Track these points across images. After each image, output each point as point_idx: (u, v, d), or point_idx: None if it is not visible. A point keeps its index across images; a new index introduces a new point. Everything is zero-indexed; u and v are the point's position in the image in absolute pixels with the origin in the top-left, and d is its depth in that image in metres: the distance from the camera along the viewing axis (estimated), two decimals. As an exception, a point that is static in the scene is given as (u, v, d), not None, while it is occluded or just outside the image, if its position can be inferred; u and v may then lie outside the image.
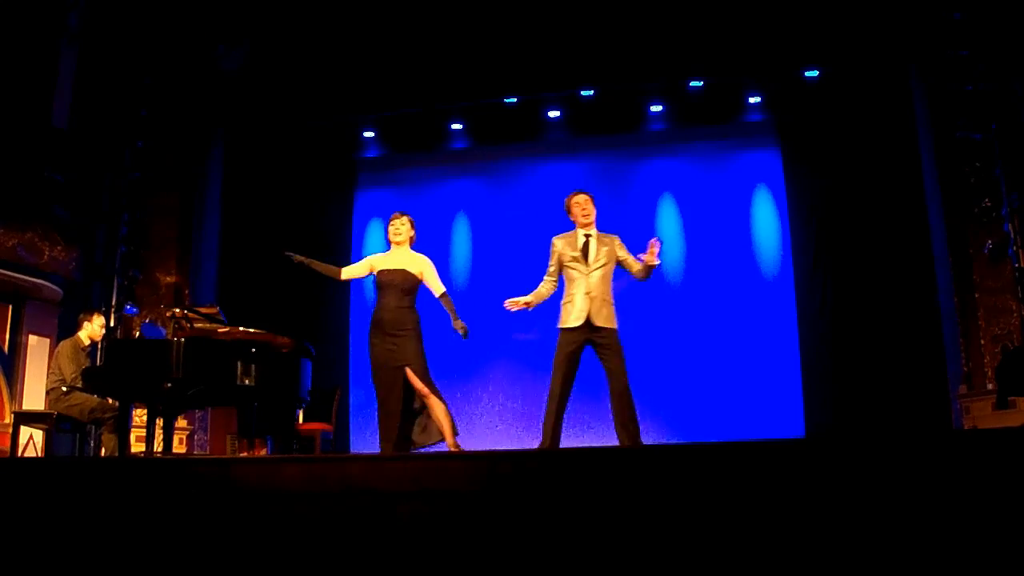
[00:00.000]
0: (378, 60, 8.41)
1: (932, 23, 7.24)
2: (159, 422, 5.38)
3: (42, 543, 3.15)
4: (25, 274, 7.01)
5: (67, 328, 6.79)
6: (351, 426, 8.71)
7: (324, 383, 7.37)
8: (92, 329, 6.17)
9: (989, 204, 6.82)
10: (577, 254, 4.63)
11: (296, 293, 8.44)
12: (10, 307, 7.10)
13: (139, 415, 6.84)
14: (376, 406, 4.83)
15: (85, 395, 5.74)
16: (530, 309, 4.77)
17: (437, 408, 4.69)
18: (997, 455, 2.63)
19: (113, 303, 7.86)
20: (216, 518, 3.06)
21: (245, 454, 6.86)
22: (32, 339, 7.18)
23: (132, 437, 6.59)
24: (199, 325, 5.39)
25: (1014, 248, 6.61)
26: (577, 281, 4.59)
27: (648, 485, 2.83)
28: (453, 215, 9.26)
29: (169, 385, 4.87)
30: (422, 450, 4.77)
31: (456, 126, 9.06)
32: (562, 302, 4.65)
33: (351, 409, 8.73)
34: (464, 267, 9.10)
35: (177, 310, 5.49)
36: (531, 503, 2.85)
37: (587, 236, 4.69)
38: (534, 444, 7.78)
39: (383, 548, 2.87)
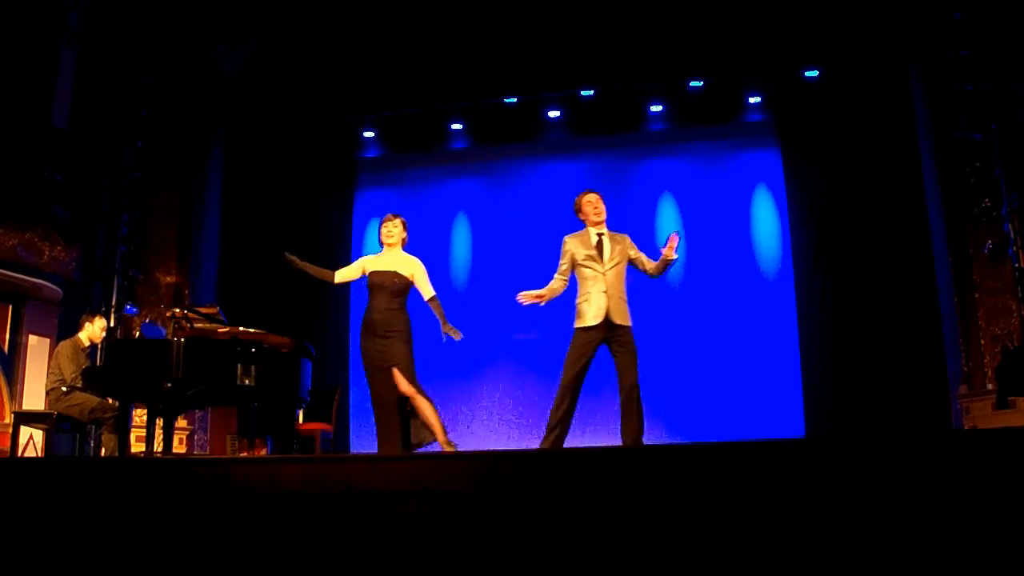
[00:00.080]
0: (378, 60, 8.42)
1: (932, 23, 7.24)
2: (159, 422, 5.38)
3: (42, 543, 3.15)
4: (25, 274, 7.00)
5: (67, 328, 6.79)
6: (351, 426, 8.71)
7: (324, 383, 7.37)
8: (92, 331, 6.18)
9: (989, 204, 6.82)
10: (592, 252, 4.63)
11: (296, 293, 8.43)
12: (10, 307, 7.10)
13: (139, 415, 6.84)
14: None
15: (85, 395, 5.74)
16: (541, 304, 4.74)
17: (424, 408, 4.69)
18: (997, 455, 2.63)
19: (113, 303, 7.85)
20: (216, 518, 3.06)
21: (245, 454, 6.86)
22: (32, 339, 7.18)
23: (132, 437, 6.59)
24: (199, 325, 5.39)
25: (1014, 248, 6.61)
26: (593, 280, 4.58)
27: (648, 485, 2.83)
28: (453, 215, 9.26)
29: (169, 385, 4.87)
30: (421, 450, 4.77)
31: (456, 126, 9.06)
32: (577, 301, 4.62)
33: (351, 409, 8.73)
34: (464, 267, 9.10)
35: (177, 310, 5.49)
36: (531, 503, 2.85)
37: (600, 235, 4.70)
38: (534, 444, 7.80)
39: (383, 548, 2.87)
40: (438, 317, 4.87)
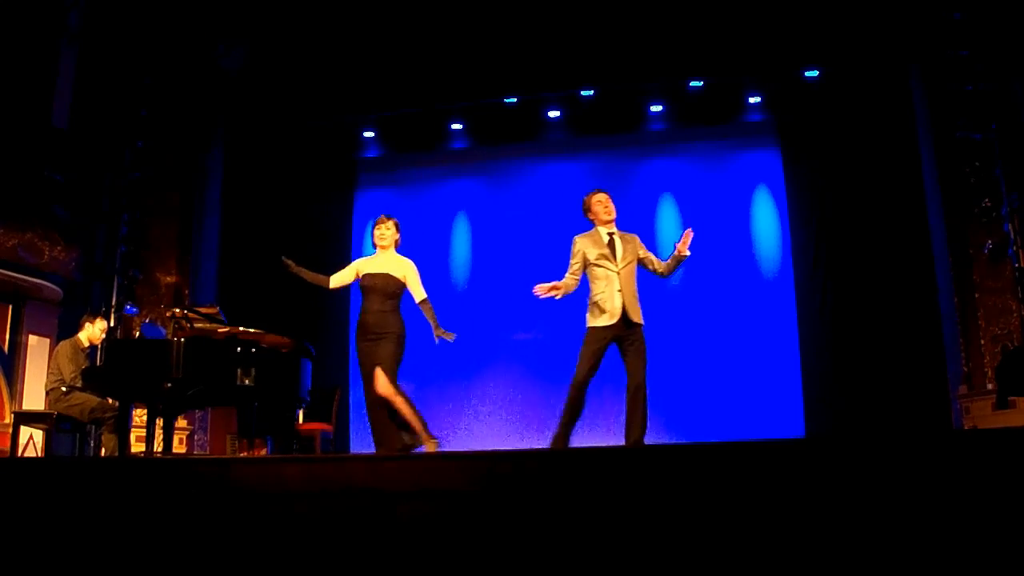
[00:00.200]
0: (378, 60, 8.41)
1: (932, 23, 7.24)
2: (159, 422, 5.38)
3: (42, 543, 3.15)
4: (25, 274, 7.00)
5: (67, 328, 6.79)
6: (351, 426, 8.71)
7: (324, 383, 7.37)
8: (92, 332, 6.17)
9: (989, 204, 6.82)
10: (605, 252, 4.62)
11: (296, 293, 8.39)
12: (10, 307, 7.10)
13: (139, 415, 6.84)
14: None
15: (85, 395, 5.74)
16: (557, 297, 4.71)
17: (402, 408, 4.66)
18: (997, 455, 2.63)
19: (113, 303, 7.86)
20: (216, 518, 3.06)
21: (245, 454, 6.86)
22: (32, 339, 7.18)
23: (132, 437, 6.59)
24: (199, 325, 5.39)
25: (1014, 248, 6.61)
26: (607, 279, 4.57)
27: (648, 485, 2.83)
28: (453, 215, 9.26)
29: (169, 385, 4.87)
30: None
31: (456, 126, 9.07)
32: (591, 300, 4.60)
33: (351, 409, 8.73)
34: (464, 267, 9.10)
35: (177, 310, 5.49)
36: (531, 503, 2.85)
37: (610, 234, 4.70)
38: (534, 444, 7.82)
39: (383, 548, 2.87)
40: (429, 320, 4.86)
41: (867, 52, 7.76)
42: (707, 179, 8.72)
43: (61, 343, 6.10)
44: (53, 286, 7.26)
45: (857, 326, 7.79)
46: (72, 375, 5.75)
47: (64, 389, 5.76)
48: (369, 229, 5.29)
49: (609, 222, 4.73)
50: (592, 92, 8.41)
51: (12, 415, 6.33)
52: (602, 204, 4.75)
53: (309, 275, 5.04)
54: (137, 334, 6.61)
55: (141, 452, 6.20)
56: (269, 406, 6.36)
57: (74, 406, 5.77)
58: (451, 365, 8.50)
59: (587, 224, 4.82)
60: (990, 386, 6.60)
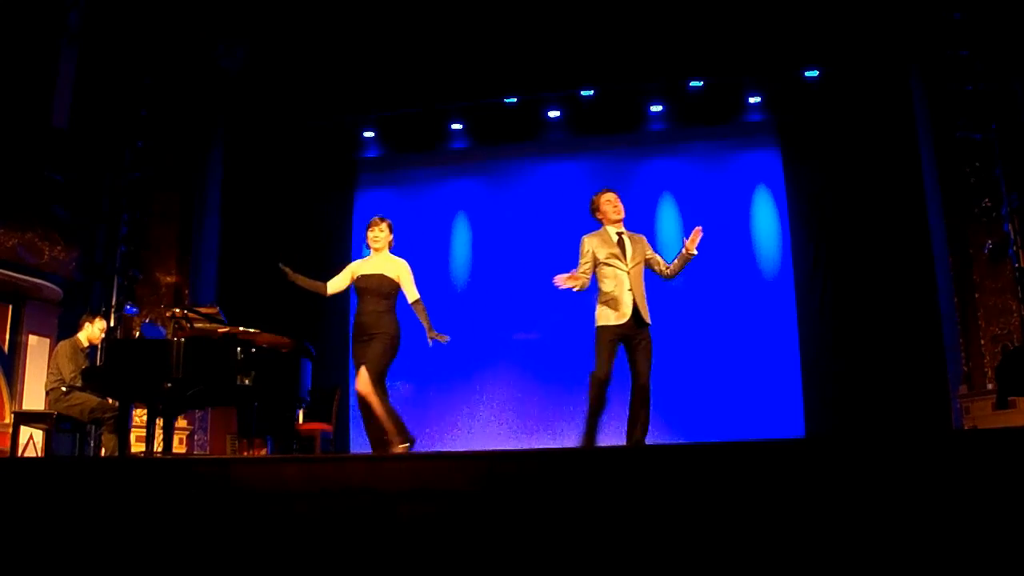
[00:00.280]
0: (378, 60, 8.41)
1: (932, 23, 7.24)
2: (159, 422, 5.38)
3: (42, 543, 3.15)
4: (25, 274, 7.00)
5: (67, 328, 6.79)
6: (351, 426, 8.70)
7: (324, 383, 7.36)
8: (92, 332, 6.17)
9: (989, 204, 6.82)
10: (615, 251, 4.61)
11: (296, 293, 8.38)
12: (10, 307, 7.10)
13: (139, 415, 6.84)
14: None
15: (85, 395, 5.74)
16: (575, 290, 4.69)
17: (377, 409, 4.61)
18: (997, 455, 2.63)
19: (113, 303, 7.86)
20: (216, 518, 3.06)
21: (245, 454, 6.86)
22: (32, 339, 7.18)
23: (132, 437, 6.59)
24: (199, 325, 5.39)
25: (1014, 248, 6.61)
26: (617, 278, 4.56)
27: (648, 485, 2.83)
28: (453, 215, 9.26)
29: (169, 385, 4.87)
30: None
31: (456, 126, 9.06)
32: (601, 299, 4.59)
33: (351, 409, 8.71)
34: (464, 267, 9.10)
35: (177, 310, 5.49)
36: (532, 503, 2.85)
37: (619, 233, 4.69)
38: (535, 444, 7.82)
39: (383, 548, 2.87)
40: (422, 322, 4.85)
41: (867, 52, 7.76)
42: (707, 179, 8.72)
43: (61, 343, 6.10)
44: (53, 286, 7.26)
45: (857, 326, 7.79)
46: (72, 375, 5.74)
47: (64, 389, 5.77)
48: (367, 230, 5.27)
49: (618, 221, 4.72)
50: (592, 92, 8.41)
51: (12, 415, 6.33)
52: (611, 204, 4.73)
53: (305, 282, 5.05)
54: (137, 334, 6.61)
55: (141, 452, 6.19)
56: (269, 406, 6.37)
57: (74, 406, 5.77)
58: (451, 365, 8.50)
59: (590, 224, 4.82)
60: (990, 386, 6.60)
